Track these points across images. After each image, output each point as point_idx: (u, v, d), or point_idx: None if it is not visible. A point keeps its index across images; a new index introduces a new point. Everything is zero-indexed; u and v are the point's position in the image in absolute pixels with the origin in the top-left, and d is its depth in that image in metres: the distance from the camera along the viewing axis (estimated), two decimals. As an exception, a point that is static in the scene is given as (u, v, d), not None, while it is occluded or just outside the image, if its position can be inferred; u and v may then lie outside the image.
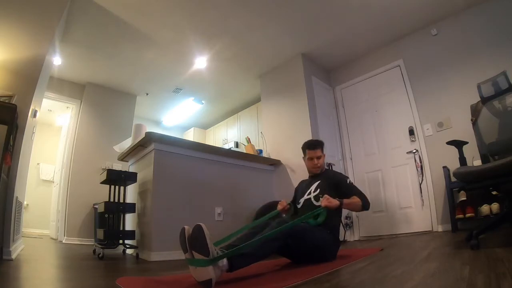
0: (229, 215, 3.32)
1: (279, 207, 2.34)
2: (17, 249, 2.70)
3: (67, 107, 5.28)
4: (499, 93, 2.50)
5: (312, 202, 2.30)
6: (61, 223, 4.56)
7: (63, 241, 4.35)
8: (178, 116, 7.10)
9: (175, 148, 3.07)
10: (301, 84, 4.41)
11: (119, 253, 3.05)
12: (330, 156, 4.35)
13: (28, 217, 5.53)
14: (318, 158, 2.44)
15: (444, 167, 3.39)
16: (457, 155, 2.55)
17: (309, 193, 2.36)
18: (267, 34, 4.17)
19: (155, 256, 2.60)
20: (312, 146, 2.47)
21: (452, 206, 3.27)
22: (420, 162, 3.82)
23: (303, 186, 2.47)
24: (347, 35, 4.28)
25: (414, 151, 3.90)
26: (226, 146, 6.23)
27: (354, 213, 4.34)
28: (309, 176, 2.56)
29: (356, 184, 4.38)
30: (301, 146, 2.60)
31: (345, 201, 2.13)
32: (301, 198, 2.39)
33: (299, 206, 2.37)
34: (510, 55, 3.23)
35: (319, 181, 2.37)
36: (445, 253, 1.96)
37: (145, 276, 1.84)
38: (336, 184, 2.33)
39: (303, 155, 2.56)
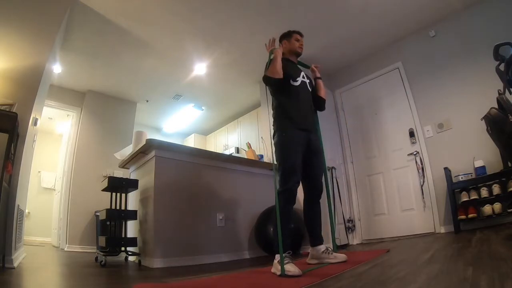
0: (231, 221, 3.31)
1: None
2: (19, 257, 2.69)
3: (68, 115, 5.29)
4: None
5: (307, 86, 2.50)
6: (62, 230, 4.55)
7: (65, 249, 4.34)
8: (178, 123, 7.12)
9: (176, 154, 3.07)
10: (301, 88, 4.42)
11: (121, 260, 3.05)
12: (331, 159, 4.34)
13: (29, 225, 5.51)
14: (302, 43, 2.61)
15: (445, 168, 3.39)
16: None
17: (303, 77, 2.49)
18: (266, 39, 4.16)
19: (157, 262, 2.58)
20: (301, 33, 2.63)
21: (454, 207, 3.26)
22: (421, 163, 3.81)
23: (292, 67, 2.50)
24: (346, 39, 4.30)
25: (415, 153, 3.89)
26: (227, 152, 6.22)
27: (356, 216, 4.33)
28: (288, 60, 2.55)
29: (358, 187, 4.46)
30: (281, 35, 2.68)
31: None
32: (298, 76, 2.45)
33: (296, 83, 2.41)
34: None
35: (302, 71, 2.54)
36: (448, 254, 1.95)
37: (152, 282, 1.84)
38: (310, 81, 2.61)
39: (284, 40, 2.63)
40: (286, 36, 2.63)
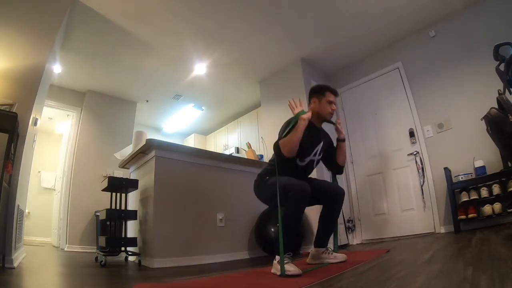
0: (231, 221, 3.31)
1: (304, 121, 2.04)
2: (19, 257, 2.69)
3: (68, 115, 5.30)
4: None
5: (313, 164, 2.31)
6: (62, 230, 4.55)
7: (65, 249, 4.34)
8: (178, 123, 7.12)
9: (176, 154, 3.07)
10: (301, 88, 4.42)
11: (121, 260, 3.05)
12: (331, 159, 4.35)
13: (29, 225, 5.51)
14: (335, 104, 2.35)
15: (445, 168, 3.39)
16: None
17: (315, 154, 2.27)
18: (266, 39, 4.19)
19: (157, 262, 2.58)
20: (336, 92, 2.35)
21: (454, 207, 3.26)
22: (421, 163, 3.81)
23: (310, 139, 2.21)
24: (346, 39, 4.30)
25: (415, 153, 3.89)
26: (227, 152, 6.22)
27: (356, 216, 4.34)
28: (311, 124, 2.21)
29: (358, 187, 4.46)
30: (313, 89, 2.40)
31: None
32: (308, 156, 2.22)
33: (302, 164, 2.21)
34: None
35: (321, 143, 2.32)
36: (448, 254, 1.95)
37: (152, 282, 1.84)
38: (330, 147, 2.47)
39: (314, 98, 2.33)
40: (318, 92, 2.34)
